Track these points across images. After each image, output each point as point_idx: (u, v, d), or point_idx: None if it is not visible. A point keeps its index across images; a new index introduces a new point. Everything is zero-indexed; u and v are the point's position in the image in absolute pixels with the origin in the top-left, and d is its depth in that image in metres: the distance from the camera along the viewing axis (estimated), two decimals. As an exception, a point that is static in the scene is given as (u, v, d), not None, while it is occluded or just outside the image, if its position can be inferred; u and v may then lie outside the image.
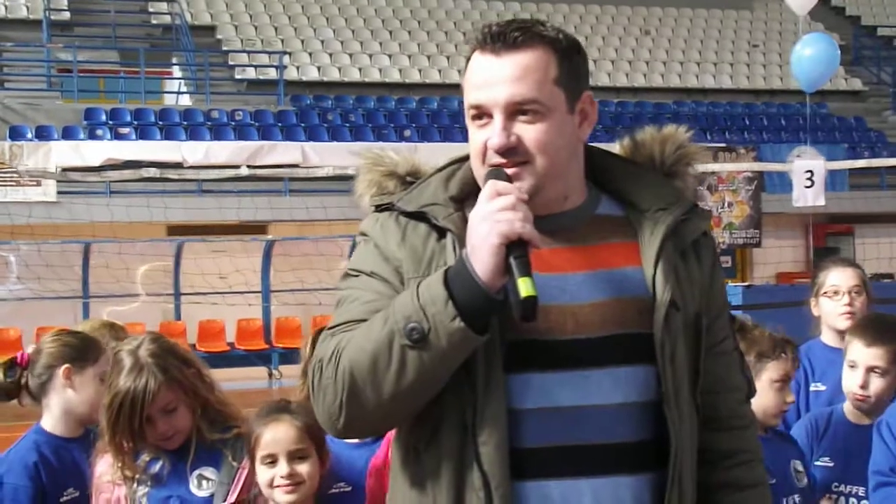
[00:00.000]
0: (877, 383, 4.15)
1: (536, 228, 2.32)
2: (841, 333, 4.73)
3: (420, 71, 28.73)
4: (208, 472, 3.64)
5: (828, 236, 26.46)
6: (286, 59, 27.26)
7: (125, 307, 19.44)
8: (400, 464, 2.49)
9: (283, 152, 23.00)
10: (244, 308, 20.34)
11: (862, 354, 4.17)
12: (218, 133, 24.06)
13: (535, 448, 2.37)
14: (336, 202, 21.14)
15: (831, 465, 4.16)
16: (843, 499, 4.11)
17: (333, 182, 21.59)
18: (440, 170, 2.58)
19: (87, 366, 3.97)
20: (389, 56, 28.96)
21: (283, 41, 28.44)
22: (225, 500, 3.56)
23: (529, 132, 2.41)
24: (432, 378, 2.31)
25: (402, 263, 2.43)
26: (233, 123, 24.65)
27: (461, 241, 2.37)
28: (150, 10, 28.93)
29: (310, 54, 28.40)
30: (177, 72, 28.23)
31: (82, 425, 4.01)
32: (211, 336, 20.31)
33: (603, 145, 2.69)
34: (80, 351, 4.00)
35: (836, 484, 4.14)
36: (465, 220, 2.39)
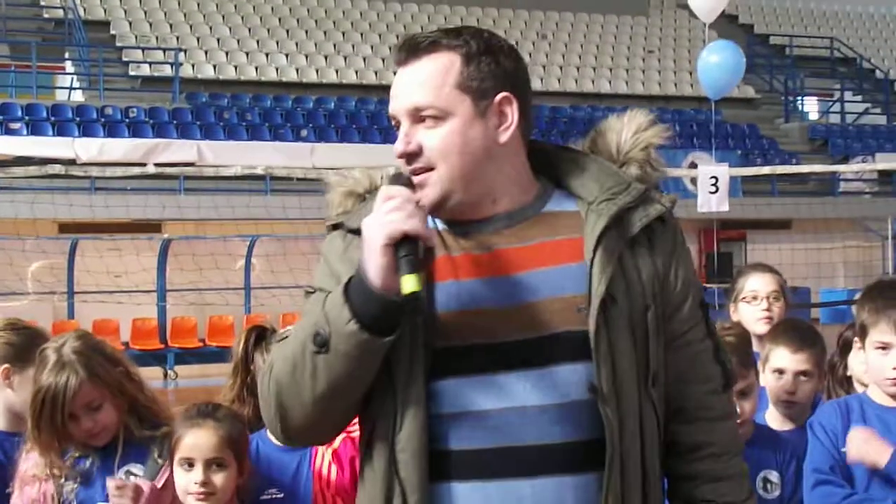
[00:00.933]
0: (805, 388, 4.20)
1: (468, 232, 2.41)
2: (759, 338, 4.77)
3: (317, 70, 28.59)
4: (136, 468, 3.61)
5: (720, 242, 26.80)
6: (181, 56, 26.95)
7: (15, 303, 19.03)
8: (359, 477, 2.54)
9: (178, 150, 22.78)
10: (139, 307, 20.06)
11: (788, 360, 4.20)
12: (112, 130, 23.72)
13: (469, 450, 2.37)
14: (227, 202, 20.98)
15: None
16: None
17: (228, 182, 21.41)
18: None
19: (27, 366, 3.90)
20: (286, 55, 28.78)
21: (178, 38, 28.12)
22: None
23: (430, 138, 2.41)
24: (344, 382, 2.35)
25: (342, 276, 2.41)
26: (127, 120, 24.31)
27: None
28: (42, 3, 28.43)
29: (205, 52, 28.12)
30: (69, 67, 27.76)
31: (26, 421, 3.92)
32: (105, 335, 19.55)
33: None
34: (22, 350, 3.91)
35: None
36: None
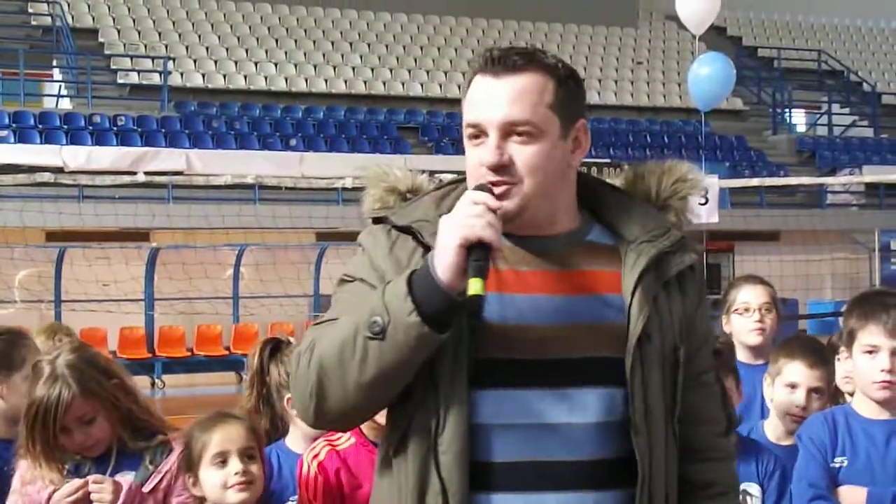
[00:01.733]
0: (815, 405, 4.21)
1: (522, 248, 2.52)
2: (752, 349, 4.81)
3: (307, 80, 28.57)
4: (130, 477, 3.60)
5: (708, 253, 26.83)
6: (170, 64, 26.92)
7: (2, 312, 18.97)
8: (378, 468, 2.60)
9: (166, 159, 22.76)
10: (126, 316, 20.02)
11: (804, 376, 4.22)
12: (100, 138, 23.67)
13: (500, 462, 2.46)
14: (217, 210, 20.95)
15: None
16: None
17: (217, 190, 21.39)
18: (437, 189, 2.67)
19: (12, 372, 3.88)
20: (275, 64, 28.77)
21: (167, 46, 28.08)
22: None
23: (521, 153, 2.49)
24: (392, 372, 2.40)
25: (387, 274, 2.51)
26: (115, 128, 24.27)
27: None
28: (30, 10, 28.39)
29: (194, 60, 28.09)
30: (57, 74, 27.71)
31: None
32: (93, 344, 19.67)
33: None
34: (4, 357, 3.90)
35: None
36: None
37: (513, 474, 2.45)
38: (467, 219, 2.37)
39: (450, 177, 2.71)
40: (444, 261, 2.36)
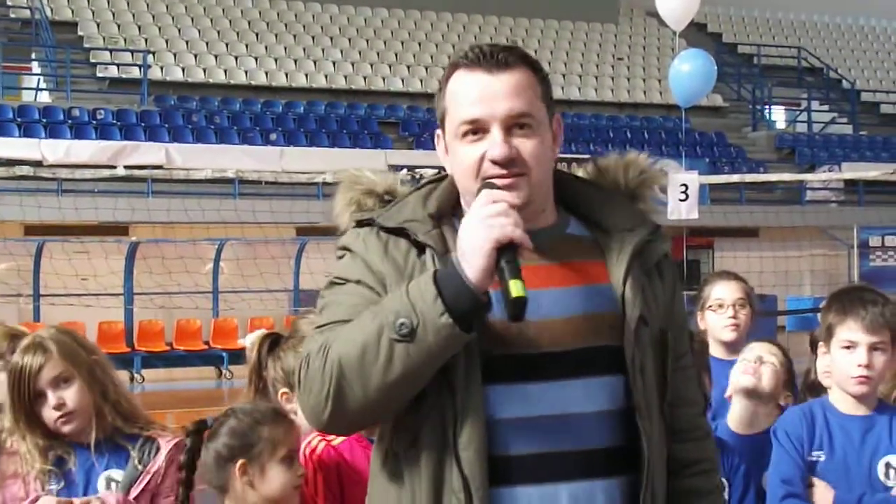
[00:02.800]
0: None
1: None
2: (726, 345, 4.81)
3: (287, 74, 28.54)
4: (117, 474, 3.59)
5: (687, 249, 26.91)
6: (150, 58, 26.84)
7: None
8: (379, 467, 2.59)
9: (146, 153, 22.72)
10: (105, 310, 19.96)
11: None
12: (79, 131, 23.62)
13: (514, 456, 2.48)
14: (197, 205, 20.91)
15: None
16: None
17: (197, 185, 21.35)
18: (418, 188, 2.68)
19: None
20: (256, 58, 28.73)
21: (146, 40, 28.03)
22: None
23: (526, 145, 2.53)
24: (417, 373, 2.41)
25: (387, 277, 2.53)
26: (94, 122, 24.22)
27: (440, 256, 2.52)
28: (9, 3, 28.28)
29: (174, 54, 28.03)
30: (36, 67, 27.61)
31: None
32: (70, 338, 19.79)
33: None
34: None
35: None
36: (442, 237, 2.56)
37: (526, 467, 2.48)
38: (493, 219, 2.38)
39: (430, 172, 2.71)
40: (474, 262, 2.37)
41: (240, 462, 3.39)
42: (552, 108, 2.62)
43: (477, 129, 2.53)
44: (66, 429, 3.59)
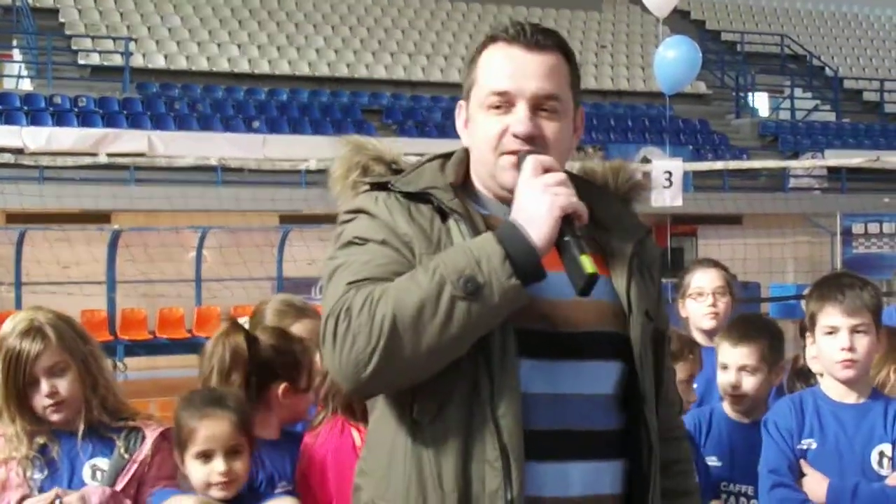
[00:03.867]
0: (748, 382, 4.20)
1: None
2: (707, 333, 4.84)
3: (270, 62, 28.46)
4: (102, 462, 3.58)
5: (671, 237, 26.95)
6: (132, 45, 26.73)
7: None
8: (391, 439, 2.53)
9: (128, 140, 22.64)
10: (88, 299, 19.90)
11: (730, 355, 4.24)
12: (61, 119, 23.51)
13: (535, 430, 2.47)
14: (180, 193, 20.86)
15: (719, 464, 4.20)
16: (732, 498, 4.15)
17: (180, 172, 21.29)
18: (429, 160, 2.67)
19: None
20: (238, 45, 28.64)
21: (128, 27, 27.89)
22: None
23: (549, 127, 2.55)
24: (472, 333, 2.39)
25: (413, 240, 2.51)
26: (76, 110, 24.11)
27: (468, 224, 2.50)
28: (-10, -10, 28.13)
29: (156, 41, 27.92)
30: (17, 55, 27.49)
31: None
32: (53, 327, 19.73)
33: (455, 143, 2.75)
34: None
35: (724, 483, 4.18)
36: (464, 206, 2.54)
37: (544, 443, 2.48)
38: (557, 188, 2.41)
39: (412, 160, 2.71)
40: (542, 229, 2.38)
41: (176, 450, 3.42)
42: (579, 98, 2.64)
43: (504, 101, 2.54)
44: (56, 417, 3.57)
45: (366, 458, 2.62)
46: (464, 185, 2.62)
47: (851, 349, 3.68)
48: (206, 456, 3.35)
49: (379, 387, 2.49)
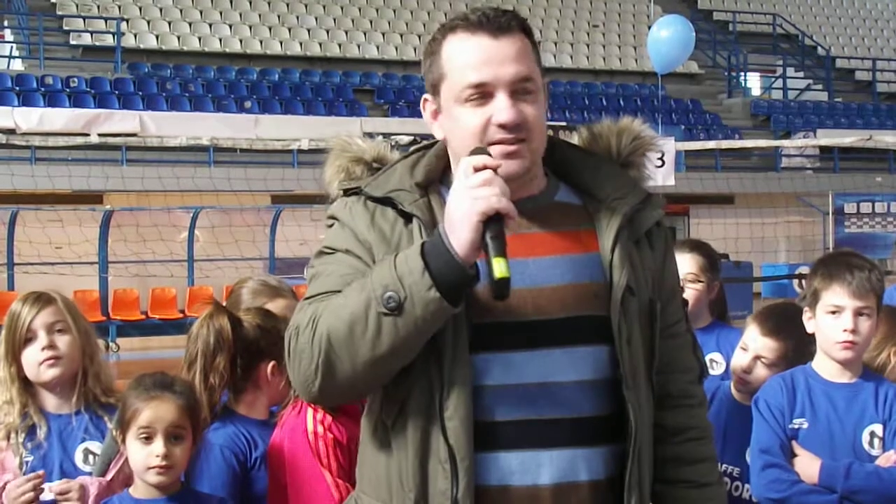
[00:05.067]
0: (760, 372, 4.10)
1: None
2: None
3: (261, 42, 28.39)
4: (94, 446, 3.58)
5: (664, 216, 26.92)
6: (123, 25, 26.65)
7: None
8: (369, 436, 2.59)
9: (120, 121, 22.59)
10: (80, 279, 19.85)
11: (755, 341, 4.13)
12: (52, 99, 23.45)
13: (497, 422, 2.48)
14: (172, 173, 20.82)
15: None
16: None
17: (172, 153, 21.25)
18: (405, 157, 2.66)
19: None
20: (230, 26, 28.56)
21: (120, 7, 27.78)
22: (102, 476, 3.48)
23: (529, 110, 2.51)
24: (405, 346, 2.39)
25: (374, 246, 2.52)
26: (68, 90, 24.06)
27: (427, 226, 2.50)
28: (-19, -30, 28.01)
29: (148, 21, 27.83)
30: (9, 35, 27.39)
31: None
32: (46, 307, 19.69)
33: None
34: None
35: None
36: (429, 206, 2.54)
37: (509, 434, 2.48)
38: (478, 190, 2.34)
39: (405, 140, 2.70)
40: (461, 236, 2.34)
41: (117, 430, 3.41)
42: (543, 74, 2.60)
43: (482, 92, 2.49)
44: (50, 373, 3.57)
45: (360, 451, 2.67)
46: (443, 179, 2.60)
47: (854, 331, 3.65)
48: (147, 437, 3.31)
49: (330, 399, 2.59)
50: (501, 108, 2.48)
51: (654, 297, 2.61)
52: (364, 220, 2.54)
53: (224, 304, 3.87)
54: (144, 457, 3.31)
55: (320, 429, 3.39)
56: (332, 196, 2.71)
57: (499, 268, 2.31)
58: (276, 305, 4.03)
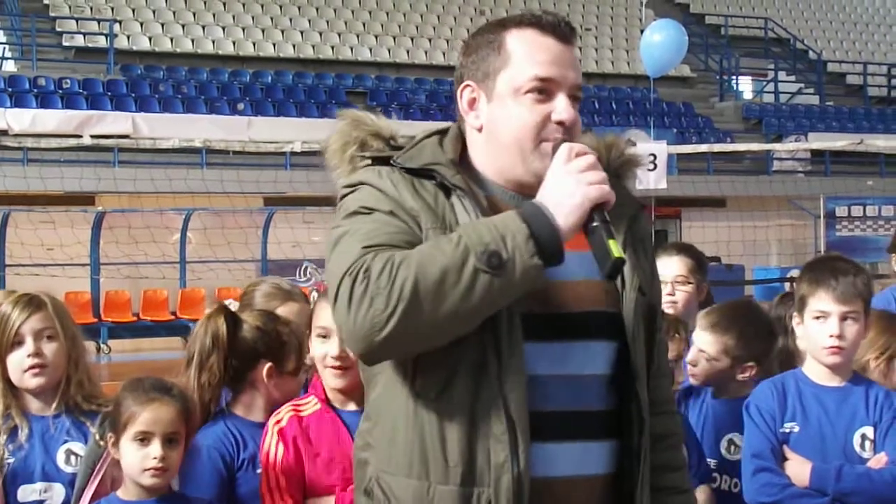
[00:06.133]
0: (703, 365, 4.18)
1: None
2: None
3: (254, 44, 28.36)
4: (77, 447, 3.59)
5: (655, 219, 26.96)
6: (116, 27, 26.62)
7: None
8: (395, 412, 2.55)
9: (112, 122, 22.56)
10: (72, 280, 19.85)
11: (698, 336, 4.21)
12: (45, 101, 23.42)
13: (535, 412, 2.49)
14: (164, 174, 20.81)
15: None
16: None
17: (164, 154, 21.23)
18: (427, 136, 2.69)
19: None
20: (223, 28, 28.54)
21: (113, 9, 27.74)
22: (87, 483, 3.47)
23: (577, 116, 2.61)
24: (491, 306, 2.40)
25: (420, 214, 2.53)
26: (60, 91, 24.01)
27: (472, 200, 2.53)
28: (-26, -29, 27.96)
29: (141, 23, 27.80)
30: (1, 36, 27.34)
31: None
32: (37, 309, 19.66)
33: (438, 124, 2.77)
34: None
35: None
36: (466, 183, 2.57)
37: (542, 424, 2.49)
38: (587, 174, 2.44)
39: (400, 141, 2.72)
40: (570, 215, 2.41)
41: (110, 433, 3.41)
42: None
43: (544, 88, 2.58)
44: (34, 381, 3.58)
45: (370, 432, 2.63)
46: (460, 162, 2.64)
47: (840, 336, 3.69)
48: (144, 439, 3.33)
49: (389, 352, 2.47)
50: (562, 107, 2.57)
51: (652, 299, 2.70)
52: (408, 188, 2.55)
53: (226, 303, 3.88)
54: (140, 459, 3.33)
55: (274, 452, 3.44)
56: (332, 163, 2.73)
57: (616, 248, 2.41)
58: (287, 309, 4.06)
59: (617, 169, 2.79)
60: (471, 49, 2.67)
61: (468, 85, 2.66)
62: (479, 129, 2.65)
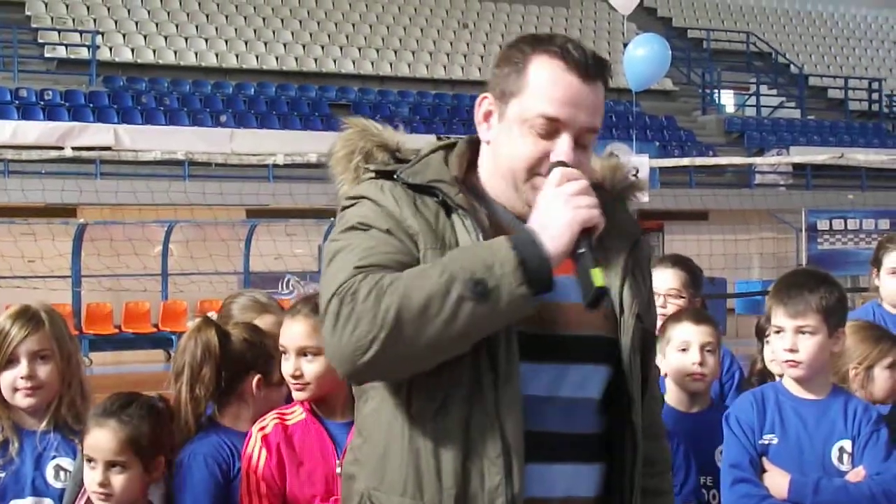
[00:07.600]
0: (711, 360, 4.25)
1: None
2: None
3: (237, 56, 28.35)
4: (66, 462, 3.58)
5: (637, 232, 26.96)
6: (98, 38, 26.58)
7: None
8: (395, 431, 2.52)
9: (94, 134, 22.51)
10: (53, 293, 19.79)
11: (695, 334, 4.26)
12: (26, 112, 23.34)
13: (529, 432, 2.47)
14: (146, 187, 20.78)
15: None
16: None
17: (146, 166, 21.21)
18: (433, 150, 2.66)
19: None
20: (206, 39, 28.51)
21: (95, 20, 27.69)
22: (75, 499, 3.47)
23: (582, 158, 2.55)
24: (474, 334, 2.39)
25: (419, 234, 2.50)
26: (42, 103, 23.96)
27: (473, 220, 2.50)
28: (-45, -18, 27.89)
29: (123, 35, 27.75)
30: (-18, 48, 27.28)
31: None
32: (18, 321, 19.60)
33: (420, 137, 2.73)
34: None
35: None
36: (469, 202, 2.54)
37: (532, 445, 2.47)
38: (578, 198, 2.40)
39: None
40: (559, 240, 2.38)
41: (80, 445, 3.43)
42: None
43: (552, 128, 2.52)
44: (26, 402, 3.57)
45: (360, 448, 2.61)
46: (465, 180, 2.61)
47: (793, 350, 3.72)
48: (90, 461, 3.34)
49: (373, 374, 2.48)
50: (562, 150, 2.51)
51: (647, 326, 2.67)
52: (409, 206, 2.52)
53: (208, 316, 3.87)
54: (89, 482, 3.34)
55: (256, 457, 3.44)
56: (335, 171, 2.72)
57: (599, 277, 2.37)
58: (263, 321, 4.06)
59: (620, 192, 2.77)
60: (501, 61, 2.64)
61: (485, 97, 2.64)
62: (488, 143, 2.64)
